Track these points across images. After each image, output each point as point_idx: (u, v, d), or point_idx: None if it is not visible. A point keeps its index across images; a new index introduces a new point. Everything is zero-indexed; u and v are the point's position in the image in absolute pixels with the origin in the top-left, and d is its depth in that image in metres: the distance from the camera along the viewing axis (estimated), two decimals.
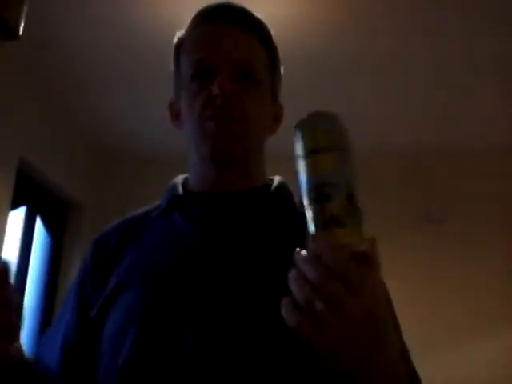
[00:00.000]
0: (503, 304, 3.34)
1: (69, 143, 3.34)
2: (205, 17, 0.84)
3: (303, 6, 2.30)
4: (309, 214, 0.57)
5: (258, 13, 0.87)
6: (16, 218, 2.94)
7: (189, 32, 0.86)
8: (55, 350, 0.81)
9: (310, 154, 0.58)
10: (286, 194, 0.86)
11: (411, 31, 2.47)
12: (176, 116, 0.88)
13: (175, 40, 0.89)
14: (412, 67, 2.76)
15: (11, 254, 2.85)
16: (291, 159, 0.61)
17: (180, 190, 0.85)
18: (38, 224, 3.17)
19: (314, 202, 0.56)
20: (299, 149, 0.59)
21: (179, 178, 0.90)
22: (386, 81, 2.89)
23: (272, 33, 0.88)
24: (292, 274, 0.51)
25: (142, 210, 0.90)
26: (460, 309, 3.36)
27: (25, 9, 1.24)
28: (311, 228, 0.56)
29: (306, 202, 0.57)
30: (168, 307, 0.72)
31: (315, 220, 0.56)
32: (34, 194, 3.07)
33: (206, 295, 0.72)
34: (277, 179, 0.89)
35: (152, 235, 0.82)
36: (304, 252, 0.52)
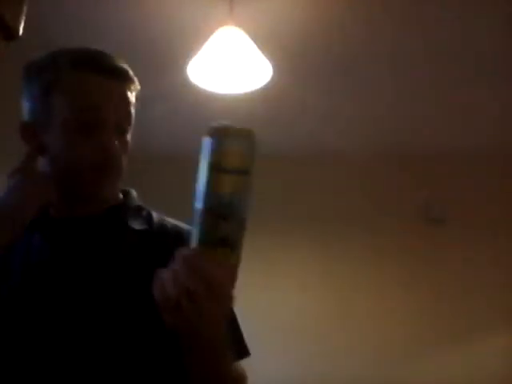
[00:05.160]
0: (503, 304, 3.34)
1: None
2: (93, 65, 0.88)
3: (303, 6, 2.30)
4: (201, 223, 0.58)
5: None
6: None
7: (70, 70, 0.88)
8: None
9: (218, 170, 0.58)
10: (127, 211, 0.95)
11: (410, 29, 2.47)
12: (38, 146, 0.90)
13: (43, 65, 0.92)
14: (411, 66, 2.76)
15: None
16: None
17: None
18: None
19: (210, 215, 0.58)
20: (207, 158, 0.59)
21: None
22: (385, 81, 2.89)
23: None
24: (169, 271, 0.58)
25: None
26: (460, 308, 3.36)
27: (25, 9, 1.24)
28: (199, 237, 0.58)
29: (199, 209, 0.59)
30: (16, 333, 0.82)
31: (206, 233, 0.58)
32: None
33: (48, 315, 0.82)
34: (128, 197, 0.99)
35: (10, 263, 0.90)
36: (184, 256, 0.58)
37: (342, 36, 2.51)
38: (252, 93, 2.38)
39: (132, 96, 0.93)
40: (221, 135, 0.59)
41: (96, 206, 0.92)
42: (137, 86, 0.94)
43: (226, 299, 0.60)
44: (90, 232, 0.90)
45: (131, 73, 0.93)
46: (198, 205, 0.59)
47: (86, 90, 0.87)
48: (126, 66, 0.92)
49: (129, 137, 0.94)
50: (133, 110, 0.93)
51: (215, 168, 0.58)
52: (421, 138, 3.51)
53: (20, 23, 1.24)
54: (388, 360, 3.27)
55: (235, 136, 0.59)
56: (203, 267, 0.56)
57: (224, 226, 0.58)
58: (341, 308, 3.48)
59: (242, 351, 0.91)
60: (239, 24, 2.15)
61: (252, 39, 2.13)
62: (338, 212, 3.65)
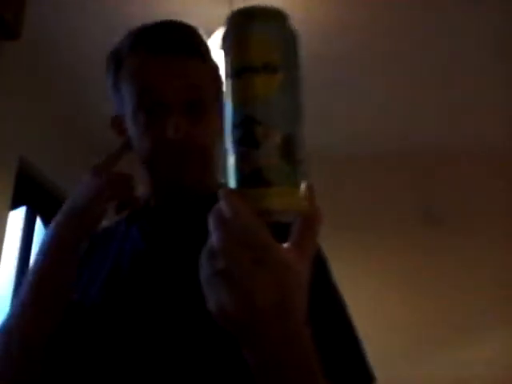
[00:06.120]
0: (503, 304, 3.34)
1: (69, 143, 3.33)
2: (148, 44, 0.81)
3: (303, 6, 2.31)
4: (230, 160, 0.41)
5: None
6: (16, 217, 2.94)
7: (129, 53, 0.83)
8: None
9: (238, 72, 0.40)
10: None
11: (411, 31, 2.48)
12: (127, 139, 0.87)
13: (112, 52, 0.88)
14: (411, 67, 2.76)
15: (11, 254, 2.85)
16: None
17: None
18: (38, 224, 3.17)
19: (236, 144, 0.40)
20: (226, 64, 0.42)
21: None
22: (385, 81, 2.89)
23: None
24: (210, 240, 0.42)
25: (112, 221, 0.95)
26: (460, 308, 3.36)
27: (25, 9, 1.24)
28: (230, 181, 0.40)
29: (228, 143, 0.41)
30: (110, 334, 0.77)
31: (235, 171, 0.40)
32: (33, 194, 3.07)
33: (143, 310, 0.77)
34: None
35: (108, 253, 0.87)
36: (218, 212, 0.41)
37: (341, 36, 2.51)
38: None
39: (201, 69, 0.81)
40: (232, 22, 0.43)
41: (188, 195, 0.83)
42: (209, 57, 0.84)
43: (265, 254, 0.40)
44: (179, 223, 0.85)
45: (198, 44, 0.83)
46: (227, 141, 0.41)
47: (143, 71, 0.81)
48: (191, 38, 0.83)
49: (211, 116, 0.82)
50: (206, 84, 0.81)
51: (231, 73, 0.40)
52: (420, 137, 3.52)
53: (20, 23, 1.25)
54: (388, 360, 3.27)
55: (255, 18, 0.42)
56: (225, 216, 0.40)
57: (256, 155, 0.39)
58: None
59: (362, 377, 0.71)
60: None
61: None
62: (337, 212, 3.65)
